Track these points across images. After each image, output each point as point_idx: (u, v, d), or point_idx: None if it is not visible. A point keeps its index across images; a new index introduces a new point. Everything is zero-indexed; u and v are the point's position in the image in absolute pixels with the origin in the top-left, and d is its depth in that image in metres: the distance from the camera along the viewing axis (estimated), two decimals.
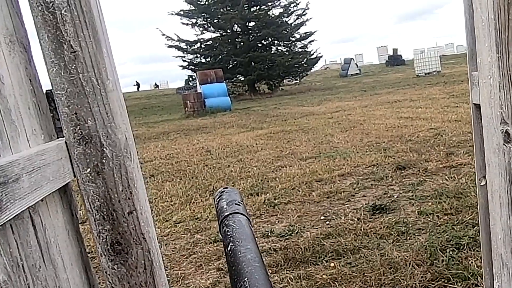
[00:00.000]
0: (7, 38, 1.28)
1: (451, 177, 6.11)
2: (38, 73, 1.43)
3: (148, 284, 1.55)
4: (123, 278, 1.52)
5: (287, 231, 4.96)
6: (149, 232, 1.57)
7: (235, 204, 2.21)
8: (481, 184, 1.98)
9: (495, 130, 1.49)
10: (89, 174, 1.46)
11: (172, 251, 4.80)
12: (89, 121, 1.44)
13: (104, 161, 1.46)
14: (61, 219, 1.42)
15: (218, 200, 2.29)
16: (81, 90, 1.42)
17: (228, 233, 1.89)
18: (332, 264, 3.99)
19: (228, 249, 1.80)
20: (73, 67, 1.40)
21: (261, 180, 7.42)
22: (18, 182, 1.12)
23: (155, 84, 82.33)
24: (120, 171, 1.49)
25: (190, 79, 47.41)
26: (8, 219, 1.06)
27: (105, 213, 1.48)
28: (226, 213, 2.08)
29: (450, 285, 3.39)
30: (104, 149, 1.46)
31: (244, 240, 1.82)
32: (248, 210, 5.83)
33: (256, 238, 4.86)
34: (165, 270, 4.40)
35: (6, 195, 1.05)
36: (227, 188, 2.46)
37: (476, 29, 1.56)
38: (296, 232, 4.92)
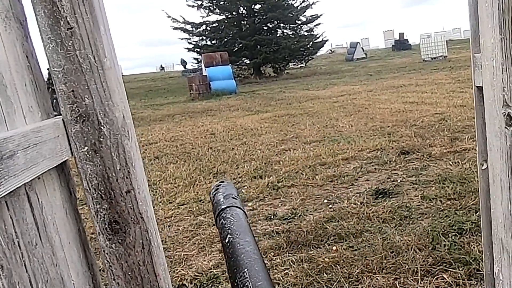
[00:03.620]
0: (3, 13, 1.27)
1: (455, 162, 6.10)
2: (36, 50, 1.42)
3: (146, 263, 1.55)
4: (121, 257, 1.52)
5: (290, 214, 4.96)
6: (147, 212, 1.57)
7: (232, 197, 2.22)
8: (483, 168, 1.96)
9: (497, 113, 1.47)
10: (86, 153, 1.45)
11: (175, 232, 4.81)
12: (86, 99, 1.42)
13: (101, 139, 1.45)
14: (59, 197, 1.41)
15: (214, 193, 2.30)
16: (78, 67, 1.40)
17: (226, 226, 1.91)
18: (334, 248, 3.99)
19: (226, 241, 1.81)
20: (69, 44, 1.38)
21: (265, 163, 7.42)
22: (13, 159, 1.11)
23: (161, 66, 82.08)
24: (117, 150, 1.48)
25: (196, 61, 47.25)
26: (2, 195, 1.05)
27: (102, 191, 1.47)
28: (223, 206, 2.09)
29: (451, 269, 3.39)
30: (102, 127, 1.45)
31: (242, 233, 1.85)
32: (251, 193, 5.86)
33: (259, 221, 4.88)
34: (169, 251, 4.41)
35: (0, 171, 1.05)
36: (223, 182, 2.47)
37: (479, 10, 1.53)
38: (299, 215, 4.92)
